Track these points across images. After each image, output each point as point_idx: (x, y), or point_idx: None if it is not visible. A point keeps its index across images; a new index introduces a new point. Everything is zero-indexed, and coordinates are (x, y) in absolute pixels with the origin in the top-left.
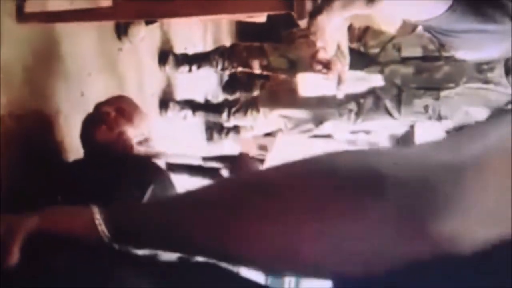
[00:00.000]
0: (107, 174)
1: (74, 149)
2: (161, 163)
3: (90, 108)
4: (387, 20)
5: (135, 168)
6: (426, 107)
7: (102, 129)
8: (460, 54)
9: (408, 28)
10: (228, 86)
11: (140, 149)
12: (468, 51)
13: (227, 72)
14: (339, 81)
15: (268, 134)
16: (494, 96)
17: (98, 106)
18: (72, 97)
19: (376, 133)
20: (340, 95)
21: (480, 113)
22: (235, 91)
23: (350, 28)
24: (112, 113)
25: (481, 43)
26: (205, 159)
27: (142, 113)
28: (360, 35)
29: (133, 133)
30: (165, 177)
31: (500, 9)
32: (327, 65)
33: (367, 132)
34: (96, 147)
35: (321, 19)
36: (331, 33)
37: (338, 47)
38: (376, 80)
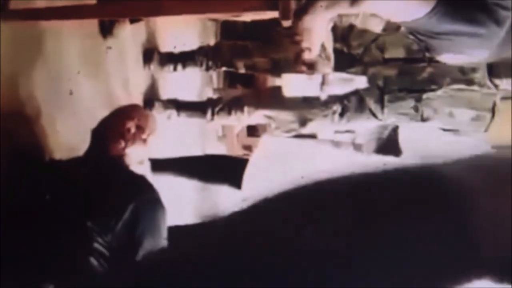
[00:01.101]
0: (99, 180)
1: (62, 148)
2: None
3: (79, 106)
4: (371, 19)
5: (124, 181)
6: (409, 109)
7: (120, 144)
8: (443, 58)
9: (393, 27)
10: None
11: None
12: (452, 55)
13: (211, 72)
14: (323, 82)
15: (252, 134)
16: (478, 97)
17: (122, 116)
18: (60, 96)
19: (360, 134)
20: (324, 96)
21: (465, 115)
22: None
23: (334, 27)
24: (133, 129)
25: (464, 46)
26: None
27: (155, 134)
28: (344, 34)
29: (141, 152)
30: (152, 196)
31: (484, 12)
32: (311, 66)
33: (351, 132)
34: (104, 156)
35: (306, 19)
36: (316, 33)
37: (323, 47)
38: (360, 81)
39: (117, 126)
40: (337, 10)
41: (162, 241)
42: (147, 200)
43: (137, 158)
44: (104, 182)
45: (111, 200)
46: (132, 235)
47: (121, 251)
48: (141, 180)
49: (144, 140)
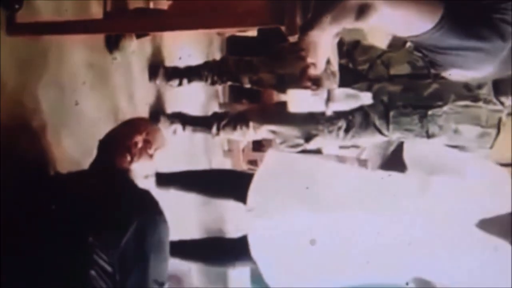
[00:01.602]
0: (103, 194)
1: (66, 161)
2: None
3: (84, 118)
4: (377, 34)
5: (128, 197)
6: (414, 125)
7: (125, 158)
8: (449, 74)
9: (398, 43)
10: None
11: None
12: (457, 70)
13: (217, 86)
14: (329, 97)
15: (258, 149)
16: (484, 114)
17: (131, 130)
18: (65, 107)
19: (365, 149)
20: (329, 112)
21: (470, 131)
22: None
23: (340, 43)
24: (140, 143)
25: (469, 61)
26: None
27: (161, 147)
28: (349, 50)
29: (147, 167)
30: (157, 213)
31: (489, 27)
32: (316, 81)
33: (357, 147)
34: (110, 169)
35: (312, 34)
36: (322, 48)
37: (328, 63)
38: (365, 97)
39: (124, 140)
40: (342, 24)
41: (166, 257)
42: (153, 217)
43: (142, 172)
44: (108, 196)
45: (115, 215)
46: (137, 253)
47: (126, 269)
48: (146, 196)
49: (151, 156)
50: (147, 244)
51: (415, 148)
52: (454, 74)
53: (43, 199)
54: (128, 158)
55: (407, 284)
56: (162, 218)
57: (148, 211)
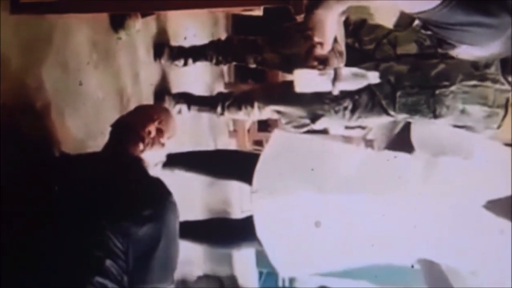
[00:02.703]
0: (116, 180)
1: (70, 141)
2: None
3: (88, 98)
4: (384, 13)
5: (142, 185)
6: (421, 105)
7: (139, 146)
8: (457, 53)
9: (405, 21)
10: None
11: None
12: (465, 47)
13: (222, 66)
14: (335, 77)
15: (263, 130)
16: (491, 94)
17: (144, 117)
18: (69, 87)
19: (371, 129)
20: (336, 91)
21: (477, 111)
22: None
23: (346, 23)
24: (153, 132)
25: (477, 37)
26: None
27: (174, 135)
28: (355, 30)
29: (158, 155)
30: (170, 202)
31: (497, 3)
32: (323, 61)
33: (363, 128)
34: (122, 156)
35: (319, 13)
36: (329, 27)
37: (335, 42)
38: (372, 77)
39: (138, 128)
40: (349, 1)
41: (178, 245)
42: (166, 207)
43: (154, 161)
44: (121, 182)
45: (128, 202)
46: (152, 241)
47: (138, 257)
48: (160, 185)
49: (163, 144)
50: (161, 233)
51: (422, 129)
52: (462, 52)
53: (49, 180)
54: (141, 147)
55: (412, 266)
56: (175, 208)
57: (162, 201)
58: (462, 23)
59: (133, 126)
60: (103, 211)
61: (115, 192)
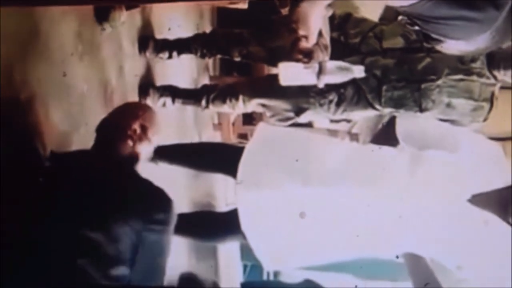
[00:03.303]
0: (110, 182)
1: (54, 134)
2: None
3: (73, 90)
4: (369, 6)
5: (142, 191)
6: (407, 99)
7: (128, 144)
8: (445, 47)
9: (391, 15)
10: None
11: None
12: (451, 41)
13: (207, 59)
14: (320, 70)
15: (248, 123)
16: (477, 87)
17: (127, 116)
18: (54, 79)
19: (357, 123)
20: (321, 84)
21: (463, 105)
22: None
23: (331, 16)
24: (138, 129)
25: (462, 31)
26: None
27: (159, 130)
28: (340, 23)
29: (148, 150)
30: (173, 213)
31: None
32: (308, 54)
33: (348, 121)
34: (115, 157)
35: (304, 6)
36: (313, 21)
37: (320, 35)
38: (357, 70)
39: (123, 126)
40: None
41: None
42: (163, 210)
43: (144, 156)
44: (113, 184)
45: (121, 204)
46: (156, 247)
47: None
48: (162, 195)
49: (150, 139)
50: (166, 239)
51: (408, 122)
52: (448, 47)
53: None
54: (130, 143)
55: (397, 257)
56: (173, 212)
57: (168, 214)
58: (446, 17)
59: (118, 125)
60: (92, 213)
61: (106, 194)
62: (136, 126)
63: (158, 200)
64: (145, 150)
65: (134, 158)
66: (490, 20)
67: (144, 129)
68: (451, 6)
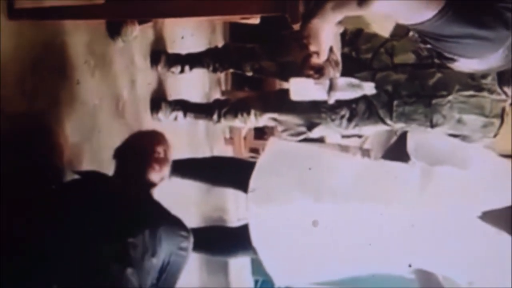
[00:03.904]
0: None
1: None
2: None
3: (85, 103)
4: (380, 23)
5: (162, 221)
6: (418, 114)
7: (154, 168)
8: (458, 66)
9: (402, 30)
10: None
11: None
12: (465, 60)
13: (219, 74)
14: (331, 86)
15: (260, 138)
16: (488, 103)
17: (149, 142)
18: (66, 92)
19: (368, 139)
20: (331, 101)
21: (474, 121)
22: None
23: (342, 32)
24: (162, 153)
25: (472, 49)
26: None
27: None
28: (352, 39)
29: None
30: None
31: (492, 15)
32: (319, 70)
33: (359, 136)
34: (141, 181)
35: (315, 23)
36: (324, 37)
37: (331, 51)
38: (367, 87)
39: (148, 152)
40: (344, 11)
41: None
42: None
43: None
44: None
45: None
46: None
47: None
48: (183, 224)
49: (169, 162)
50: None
51: (419, 138)
52: (460, 66)
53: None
54: (157, 168)
55: (410, 266)
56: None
57: (183, 233)
58: (457, 35)
59: (143, 150)
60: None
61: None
62: (161, 150)
63: (182, 229)
64: (166, 172)
65: (155, 182)
66: (501, 38)
67: (165, 152)
68: (461, 25)
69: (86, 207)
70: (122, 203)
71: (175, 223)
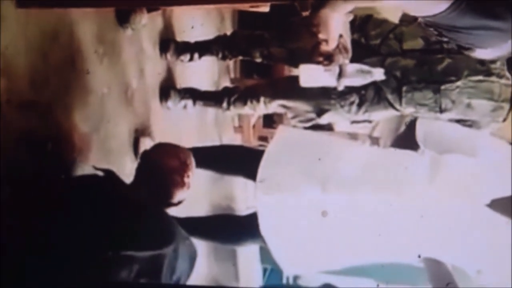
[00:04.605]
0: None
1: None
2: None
3: (94, 92)
4: (389, 9)
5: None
6: (427, 99)
7: (184, 192)
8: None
9: (411, 17)
10: None
11: None
12: (480, 49)
13: (228, 61)
14: (340, 73)
15: (269, 126)
16: (497, 88)
17: (181, 165)
18: (75, 82)
19: (377, 126)
20: (341, 87)
21: (483, 106)
22: None
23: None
24: (191, 176)
25: (487, 40)
26: None
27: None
28: (361, 25)
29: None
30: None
31: (504, 6)
32: (328, 57)
33: (369, 122)
34: (167, 201)
35: (324, 12)
36: (334, 26)
37: (340, 39)
38: (377, 73)
39: (181, 174)
40: (356, 1)
41: None
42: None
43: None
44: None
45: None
46: None
47: None
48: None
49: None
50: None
51: (428, 127)
52: (476, 55)
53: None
54: (186, 190)
55: (419, 256)
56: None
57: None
58: (469, 27)
59: (175, 172)
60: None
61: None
62: (191, 173)
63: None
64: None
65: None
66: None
67: (189, 177)
68: (474, 16)
69: (97, 204)
70: (136, 211)
71: (188, 245)
